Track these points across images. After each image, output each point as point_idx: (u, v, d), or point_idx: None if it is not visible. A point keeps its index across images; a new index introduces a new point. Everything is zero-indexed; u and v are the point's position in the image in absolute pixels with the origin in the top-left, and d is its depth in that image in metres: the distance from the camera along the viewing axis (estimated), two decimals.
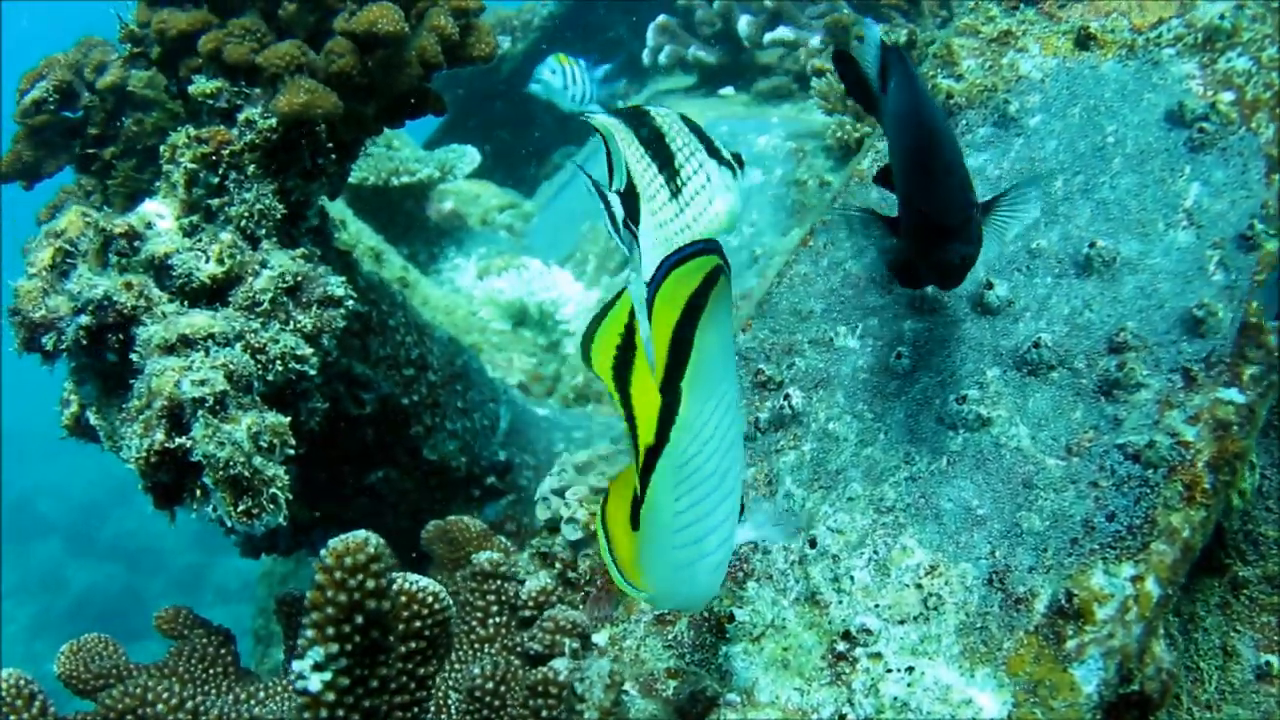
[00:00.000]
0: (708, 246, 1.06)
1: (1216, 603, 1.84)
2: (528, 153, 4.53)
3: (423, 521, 1.89)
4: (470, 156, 3.58)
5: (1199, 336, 1.58)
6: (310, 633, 1.25)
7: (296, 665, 1.26)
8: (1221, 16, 1.78)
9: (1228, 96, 1.73)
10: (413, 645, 1.46)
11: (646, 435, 1.11)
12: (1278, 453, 1.91)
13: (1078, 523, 1.52)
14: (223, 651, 1.77)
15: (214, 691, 1.74)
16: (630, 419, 1.11)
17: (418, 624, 1.46)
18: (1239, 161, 1.69)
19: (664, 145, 1.58)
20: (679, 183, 1.58)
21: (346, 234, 2.75)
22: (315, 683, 1.26)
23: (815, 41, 3.51)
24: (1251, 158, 1.68)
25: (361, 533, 1.26)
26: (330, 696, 1.28)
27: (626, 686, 1.60)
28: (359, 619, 1.26)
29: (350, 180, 3.22)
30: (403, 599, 1.45)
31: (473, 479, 2.45)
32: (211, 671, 1.76)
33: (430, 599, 1.46)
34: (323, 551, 1.26)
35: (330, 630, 1.25)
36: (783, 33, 3.59)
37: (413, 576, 1.46)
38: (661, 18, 3.86)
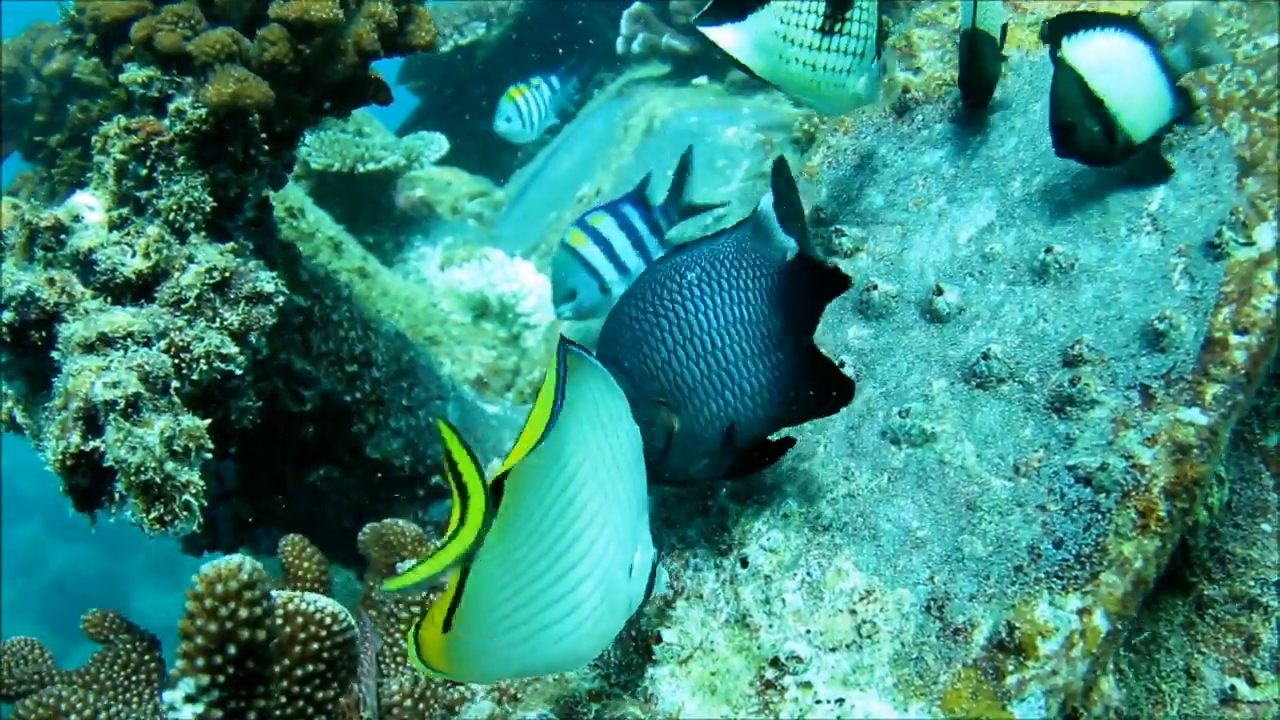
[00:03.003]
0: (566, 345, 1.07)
1: (1181, 622, 1.74)
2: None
3: (366, 521, 1.83)
4: (438, 143, 3.50)
5: (1159, 351, 1.48)
6: (181, 663, 1.20)
7: (167, 696, 1.21)
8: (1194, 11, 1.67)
9: (1200, 95, 1.63)
10: (309, 668, 1.40)
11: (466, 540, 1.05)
12: (1247, 466, 1.81)
13: (1023, 549, 1.43)
14: (147, 658, 1.73)
15: (135, 700, 1.70)
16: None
17: (315, 646, 1.40)
18: (1209, 164, 1.58)
19: None
20: None
21: (305, 223, 2.69)
22: (187, 715, 1.20)
23: None
24: (1222, 160, 1.57)
25: (235, 558, 1.21)
26: None
27: (547, 710, 1.53)
28: (231, 649, 1.21)
29: (315, 166, 3.16)
30: (299, 620, 1.39)
31: (417, 478, 2.39)
32: (134, 679, 1.71)
33: (329, 620, 1.40)
34: (194, 578, 1.20)
35: (200, 661, 1.20)
36: None
37: (310, 597, 1.40)
38: (636, 5, 3.77)
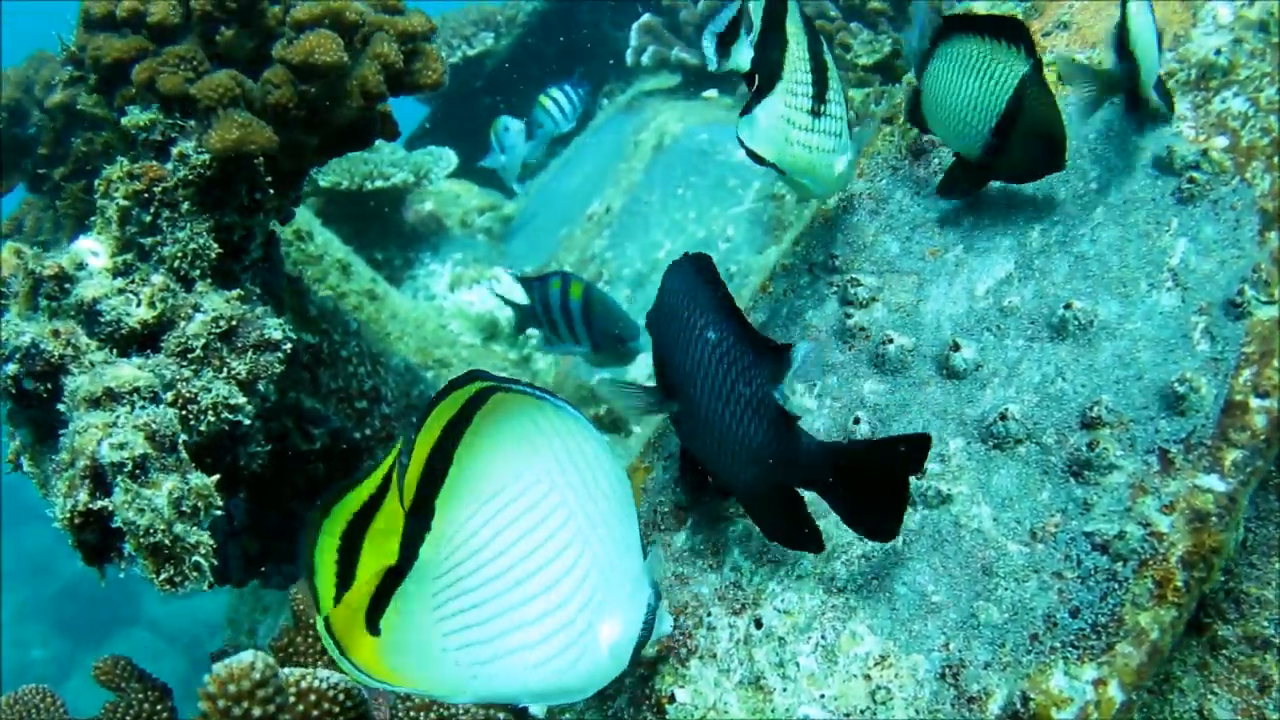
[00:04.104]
0: (469, 376, 1.16)
1: (1194, 662, 1.73)
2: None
3: None
4: (447, 159, 3.46)
5: (1179, 414, 1.46)
6: None
7: None
8: (1217, 52, 1.63)
9: (1221, 142, 1.59)
10: None
11: (389, 558, 1.17)
12: (1263, 505, 1.80)
13: (1039, 617, 1.41)
14: (159, 708, 1.73)
15: None
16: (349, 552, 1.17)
17: None
18: (1231, 216, 1.55)
19: None
20: None
21: (313, 245, 2.66)
22: None
23: None
24: (1244, 212, 1.54)
25: (246, 656, 1.20)
26: None
27: None
28: None
29: (323, 184, 3.13)
30: (312, 697, 1.38)
31: None
32: None
33: (342, 696, 1.39)
34: (206, 677, 1.20)
35: None
36: None
37: (323, 673, 1.40)
38: (646, 17, 3.71)
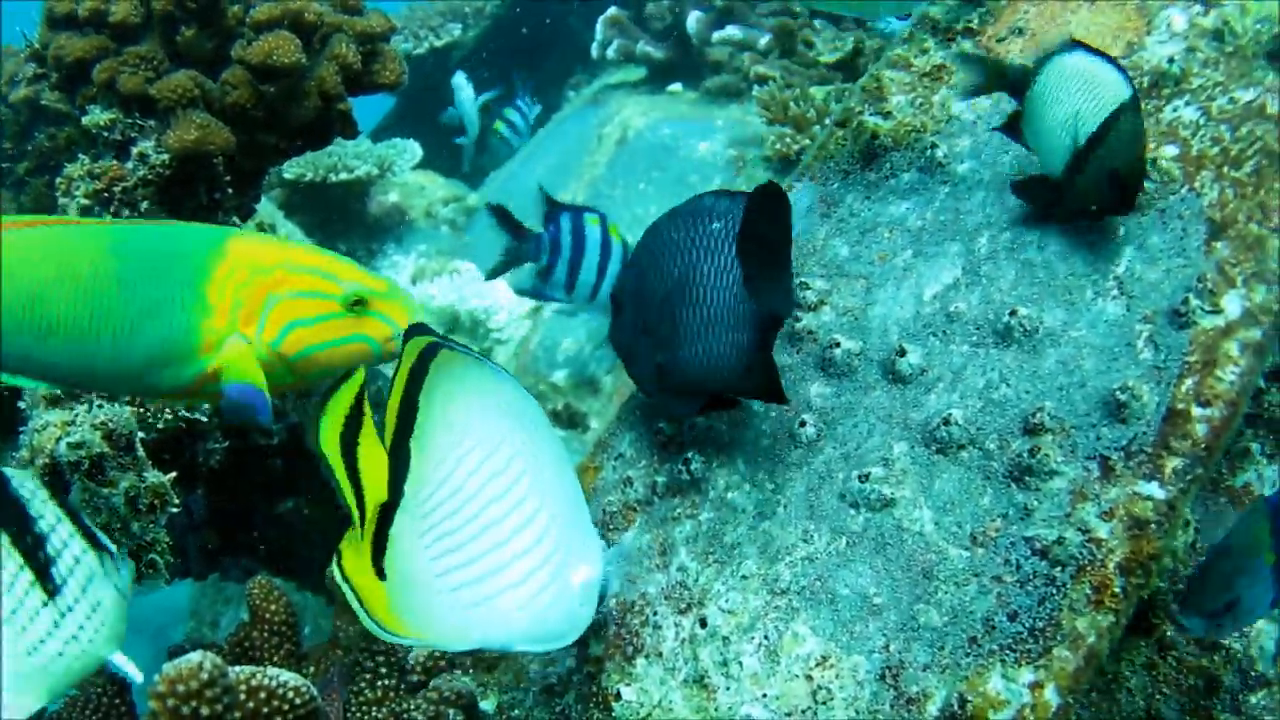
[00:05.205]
0: (416, 329, 1.24)
1: (1142, 663, 1.76)
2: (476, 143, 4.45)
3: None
4: (411, 151, 3.47)
5: (1120, 422, 1.47)
6: None
7: None
8: (1170, 60, 1.64)
9: (1170, 151, 1.60)
10: None
11: (379, 493, 1.23)
12: (1213, 506, 1.81)
13: (978, 620, 1.43)
14: (117, 702, 1.75)
15: None
16: (356, 483, 1.23)
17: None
18: (1178, 225, 1.56)
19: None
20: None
21: (276, 238, 2.66)
22: None
23: (763, 42, 3.35)
24: (1192, 221, 1.55)
25: (195, 656, 1.23)
26: None
27: None
28: None
29: (287, 176, 3.14)
30: (262, 695, 1.40)
31: None
32: None
33: (291, 694, 1.41)
34: (156, 678, 1.22)
35: None
36: (730, 32, 3.47)
37: (273, 672, 1.42)
38: (612, 10, 3.71)
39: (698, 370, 1.52)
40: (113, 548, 1.34)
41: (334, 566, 1.23)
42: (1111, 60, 1.53)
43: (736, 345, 1.48)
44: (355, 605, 1.23)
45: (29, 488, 1.27)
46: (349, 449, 1.23)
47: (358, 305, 1.35)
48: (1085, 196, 1.56)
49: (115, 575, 1.33)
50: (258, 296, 1.31)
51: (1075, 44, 1.56)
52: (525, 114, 3.76)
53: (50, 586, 1.24)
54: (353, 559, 1.23)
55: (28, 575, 1.22)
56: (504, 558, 1.22)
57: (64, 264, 1.27)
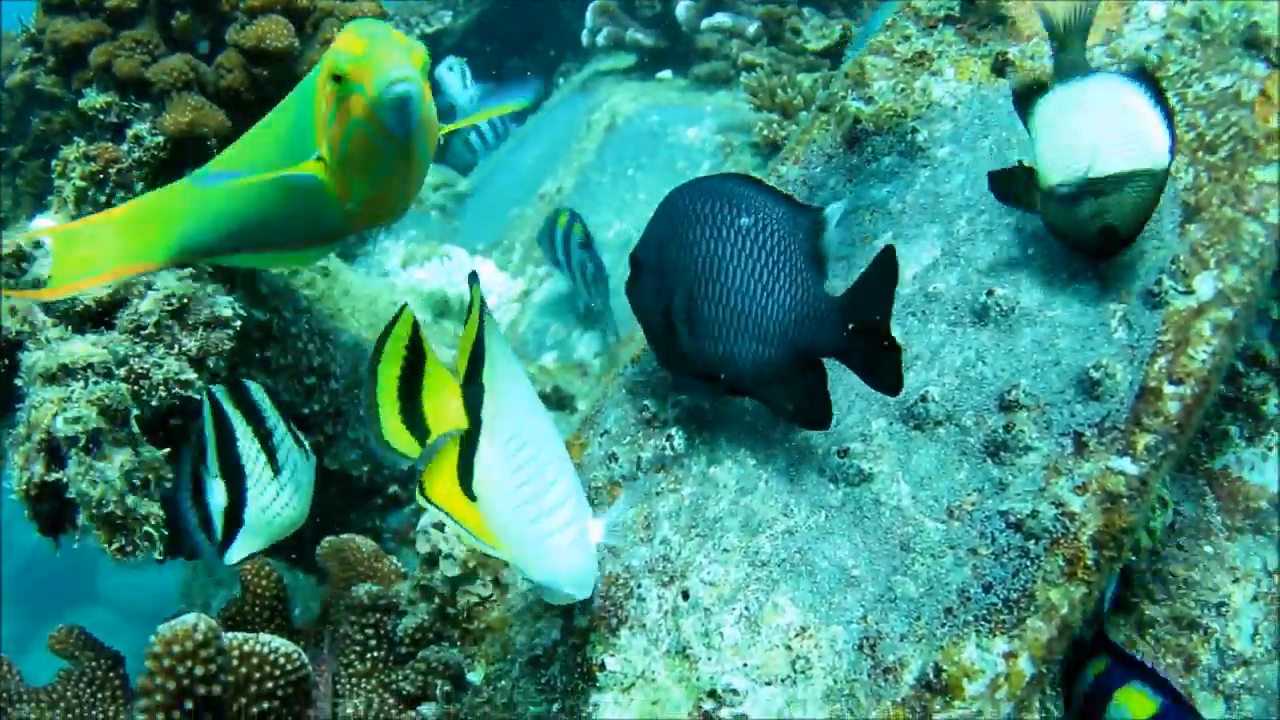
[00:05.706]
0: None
1: (1122, 641, 1.79)
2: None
3: (325, 531, 1.88)
4: None
5: (1094, 399, 1.51)
6: (141, 717, 1.25)
7: None
8: (1147, 47, 1.67)
9: None
10: (265, 705, 1.45)
11: (457, 420, 1.29)
12: (1192, 489, 1.85)
13: (953, 591, 1.46)
14: (111, 675, 1.78)
15: (100, 717, 1.75)
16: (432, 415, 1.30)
17: (269, 685, 1.45)
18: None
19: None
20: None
21: None
22: None
23: (752, 29, 3.38)
24: (1167, 204, 1.58)
25: (190, 618, 1.26)
26: None
27: None
28: (189, 704, 1.26)
29: None
30: (254, 660, 1.44)
31: (375, 488, 2.44)
32: (99, 696, 1.77)
33: (282, 659, 1.45)
34: (151, 638, 1.25)
35: (160, 716, 1.25)
36: (720, 19, 3.49)
37: (265, 638, 1.45)
38: None
39: (715, 365, 1.54)
40: (307, 444, 1.79)
41: (419, 495, 1.28)
42: (1170, 117, 1.46)
43: (756, 357, 1.50)
44: (453, 525, 1.28)
45: (260, 396, 1.71)
46: (412, 386, 1.29)
47: (338, 81, 1.36)
48: (1068, 228, 1.54)
49: (306, 464, 1.77)
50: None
51: (1145, 75, 1.48)
52: (499, 132, 3.82)
53: (275, 467, 1.72)
54: (439, 483, 1.28)
55: (264, 459, 1.70)
56: (555, 500, 1.30)
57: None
